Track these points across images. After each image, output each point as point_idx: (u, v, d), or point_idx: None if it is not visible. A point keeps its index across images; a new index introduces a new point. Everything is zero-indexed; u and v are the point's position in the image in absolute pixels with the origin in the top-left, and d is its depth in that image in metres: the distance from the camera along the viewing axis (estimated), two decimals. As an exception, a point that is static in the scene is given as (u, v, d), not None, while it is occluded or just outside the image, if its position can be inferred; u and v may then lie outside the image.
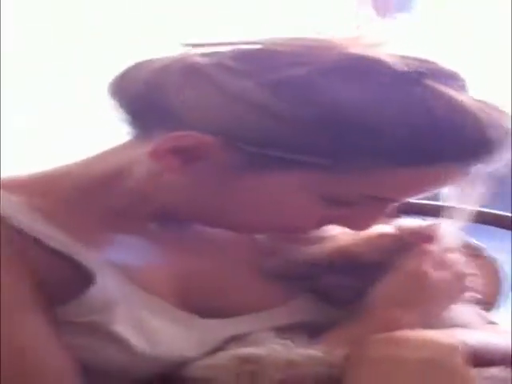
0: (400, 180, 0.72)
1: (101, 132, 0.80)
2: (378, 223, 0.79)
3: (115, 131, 0.76)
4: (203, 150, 0.70)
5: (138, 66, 0.75)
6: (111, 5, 2.17)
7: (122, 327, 0.72)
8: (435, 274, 0.79)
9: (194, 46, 0.75)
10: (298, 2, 1.77)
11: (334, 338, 0.74)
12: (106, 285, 0.72)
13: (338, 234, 0.82)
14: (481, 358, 0.72)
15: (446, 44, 0.77)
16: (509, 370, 0.73)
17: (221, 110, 0.70)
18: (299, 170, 0.70)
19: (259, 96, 0.69)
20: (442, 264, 0.80)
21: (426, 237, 0.80)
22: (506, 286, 1.05)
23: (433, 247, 0.80)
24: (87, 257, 0.72)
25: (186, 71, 0.72)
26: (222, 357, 0.72)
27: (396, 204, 0.77)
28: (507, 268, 1.09)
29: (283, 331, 0.74)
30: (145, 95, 0.73)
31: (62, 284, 0.71)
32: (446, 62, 0.73)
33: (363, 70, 0.70)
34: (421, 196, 0.76)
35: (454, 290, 0.81)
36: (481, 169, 0.73)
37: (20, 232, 0.72)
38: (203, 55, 0.73)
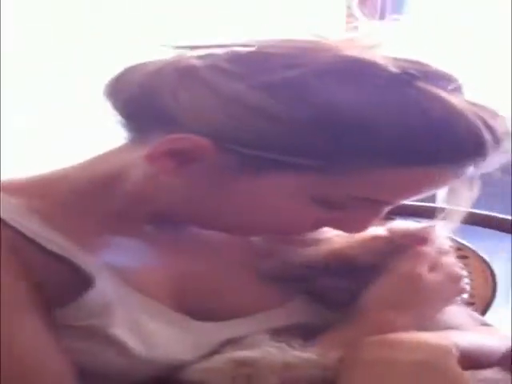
0: (394, 182, 0.72)
1: (101, 132, 0.80)
2: (372, 225, 0.79)
3: (115, 131, 0.76)
4: (199, 153, 0.70)
5: (131, 69, 0.75)
6: (111, 5, 2.17)
7: (120, 330, 0.72)
8: (429, 276, 0.79)
9: (188, 48, 0.75)
10: (294, 3, 1.77)
11: (329, 341, 0.74)
12: (105, 288, 0.72)
13: (333, 237, 0.82)
14: (474, 360, 0.72)
15: (445, 44, 0.77)
16: (502, 372, 0.73)
17: (216, 113, 0.70)
18: (294, 172, 0.70)
19: (254, 98, 0.69)
20: (436, 266, 0.80)
21: (419, 239, 0.80)
22: (497, 287, 1.06)
23: (427, 249, 0.80)
24: (85, 260, 0.73)
25: (181, 74, 0.72)
26: (218, 360, 0.71)
27: (390, 206, 0.77)
28: (507, 268, 1.09)
29: (278, 333, 0.74)
30: (139, 98, 0.73)
31: (60, 287, 0.71)
32: (444, 63, 0.73)
33: (358, 71, 0.70)
34: (415, 198, 0.76)
35: (448, 292, 0.81)
36: (475, 171, 0.73)
37: (18, 234, 0.72)
38: (198, 57, 0.73)
